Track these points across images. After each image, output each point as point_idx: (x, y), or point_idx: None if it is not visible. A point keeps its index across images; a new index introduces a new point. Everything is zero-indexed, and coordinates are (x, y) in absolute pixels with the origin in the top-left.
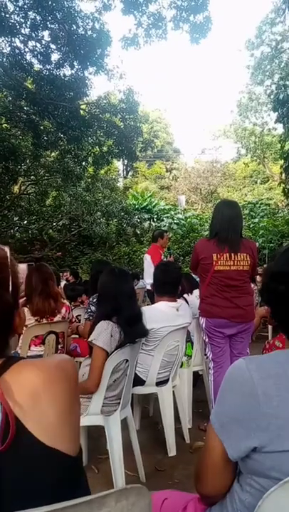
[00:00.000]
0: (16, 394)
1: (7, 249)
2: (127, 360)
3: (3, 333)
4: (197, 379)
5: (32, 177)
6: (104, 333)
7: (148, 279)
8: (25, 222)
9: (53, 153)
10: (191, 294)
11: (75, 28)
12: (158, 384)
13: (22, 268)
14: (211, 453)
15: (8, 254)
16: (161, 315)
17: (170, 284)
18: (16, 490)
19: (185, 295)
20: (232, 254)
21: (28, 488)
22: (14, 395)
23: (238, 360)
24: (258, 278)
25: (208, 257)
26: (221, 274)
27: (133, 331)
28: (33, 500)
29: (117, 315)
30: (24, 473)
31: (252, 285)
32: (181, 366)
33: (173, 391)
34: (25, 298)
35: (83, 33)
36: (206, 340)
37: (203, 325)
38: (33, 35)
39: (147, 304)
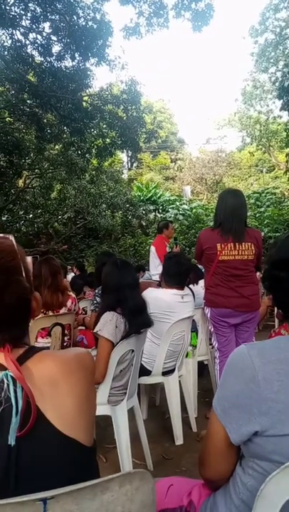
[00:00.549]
0: (37, 381)
1: (11, 237)
2: (133, 351)
3: (24, 318)
4: (203, 369)
5: (36, 170)
6: (109, 324)
7: (153, 271)
8: (30, 215)
9: (56, 146)
10: (197, 284)
11: (75, 19)
12: (164, 374)
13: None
14: (214, 438)
15: (14, 241)
16: (165, 304)
17: (180, 276)
18: (30, 475)
19: (191, 285)
20: (236, 244)
21: (42, 475)
22: (34, 383)
23: (239, 346)
24: None
25: (213, 246)
26: (225, 264)
27: (138, 322)
28: (47, 487)
29: (121, 306)
30: (40, 460)
31: (257, 274)
32: (186, 356)
33: (179, 381)
34: None
35: (84, 23)
36: (212, 329)
37: (209, 314)
38: (34, 27)
39: None
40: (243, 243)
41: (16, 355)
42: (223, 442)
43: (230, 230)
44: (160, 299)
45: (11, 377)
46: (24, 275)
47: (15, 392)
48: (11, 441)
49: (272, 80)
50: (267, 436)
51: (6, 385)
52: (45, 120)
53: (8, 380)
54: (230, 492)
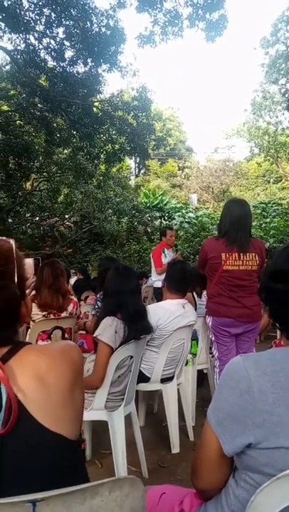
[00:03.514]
0: (21, 378)
1: (12, 241)
2: (132, 357)
3: (9, 320)
4: (203, 378)
5: (44, 174)
6: (108, 329)
7: (154, 277)
8: (37, 218)
9: (65, 151)
10: (201, 297)
11: (89, 25)
12: (163, 381)
13: (28, 262)
14: (207, 448)
15: (14, 246)
16: (166, 312)
17: (183, 282)
18: (15, 472)
19: (196, 298)
20: (241, 254)
21: (27, 471)
22: (18, 380)
23: (235, 357)
24: None
25: (217, 256)
26: (229, 274)
27: (137, 327)
28: (32, 484)
29: (121, 311)
30: (25, 455)
31: None
32: (186, 364)
33: (178, 389)
34: (34, 292)
35: (97, 30)
36: (213, 338)
37: (210, 323)
38: (48, 32)
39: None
40: (248, 253)
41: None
42: (216, 453)
43: (236, 240)
44: (161, 308)
45: None
46: (16, 281)
47: None
48: None
49: (282, 91)
50: (260, 449)
51: None
52: (54, 124)
53: None
54: (221, 503)
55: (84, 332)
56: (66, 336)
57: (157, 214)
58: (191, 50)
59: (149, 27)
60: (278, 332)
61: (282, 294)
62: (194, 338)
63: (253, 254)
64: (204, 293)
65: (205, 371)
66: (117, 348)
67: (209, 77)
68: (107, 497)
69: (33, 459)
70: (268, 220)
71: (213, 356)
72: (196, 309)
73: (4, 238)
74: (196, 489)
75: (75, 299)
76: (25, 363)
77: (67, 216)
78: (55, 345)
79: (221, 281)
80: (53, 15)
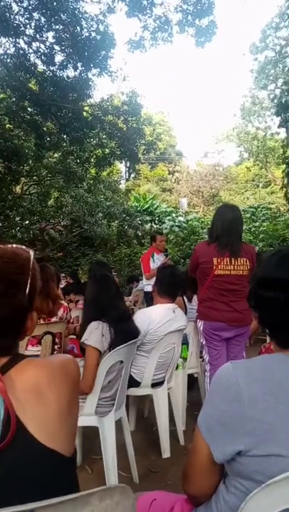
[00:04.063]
0: (20, 391)
1: (32, 252)
2: (122, 362)
3: (13, 332)
4: (193, 382)
5: (34, 177)
6: (95, 333)
7: (145, 281)
8: (26, 222)
9: (55, 155)
10: (191, 302)
11: (79, 29)
12: (153, 385)
13: None
14: (198, 454)
15: (32, 257)
16: (156, 317)
17: (173, 286)
18: (8, 485)
19: (187, 303)
20: (232, 259)
21: (20, 485)
22: (17, 393)
23: (225, 364)
24: None
25: (209, 261)
26: (221, 279)
27: (123, 330)
28: (28, 499)
29: (104, 317)
30: (19, 470)
31: None
32: (176, 368)
33: (168, 393)
34: None
35: (87, 34)
36: (204, 342)
37: (201, 327)
38: (38, 36)
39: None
40: (239, 258)
41: None
42: (207, 459)
43: (227, 245)
44: (151, 313)
45: None
46: (28, 292)
47: None
48: None
49: (270, 97)
50: (251, 456)
51: None
52: (44, 128)
53: None
54: (212, 509)
55: (74, 337)
56: (56, 340)
57: (148, 218)
58: (181, 55)
59: (139, 32)
60: (268, 336)
61: (271, 301)
62: (185, 342)
63: (244, 259)
64: (194, 297)
65: (195, 375)
66: (105, 352)
67: (199, 82)
68: (98, 506)
69: (27, 473)
70: (257, 224)
71: (203, 360)
72: (186, 314)
73: (24, 247)
74: (186, 495)
75: (65, 304)
76: (25, 375)
77: (57, 220)
78: (55, 360)
79: (213, 286)
80: (43, 19)
